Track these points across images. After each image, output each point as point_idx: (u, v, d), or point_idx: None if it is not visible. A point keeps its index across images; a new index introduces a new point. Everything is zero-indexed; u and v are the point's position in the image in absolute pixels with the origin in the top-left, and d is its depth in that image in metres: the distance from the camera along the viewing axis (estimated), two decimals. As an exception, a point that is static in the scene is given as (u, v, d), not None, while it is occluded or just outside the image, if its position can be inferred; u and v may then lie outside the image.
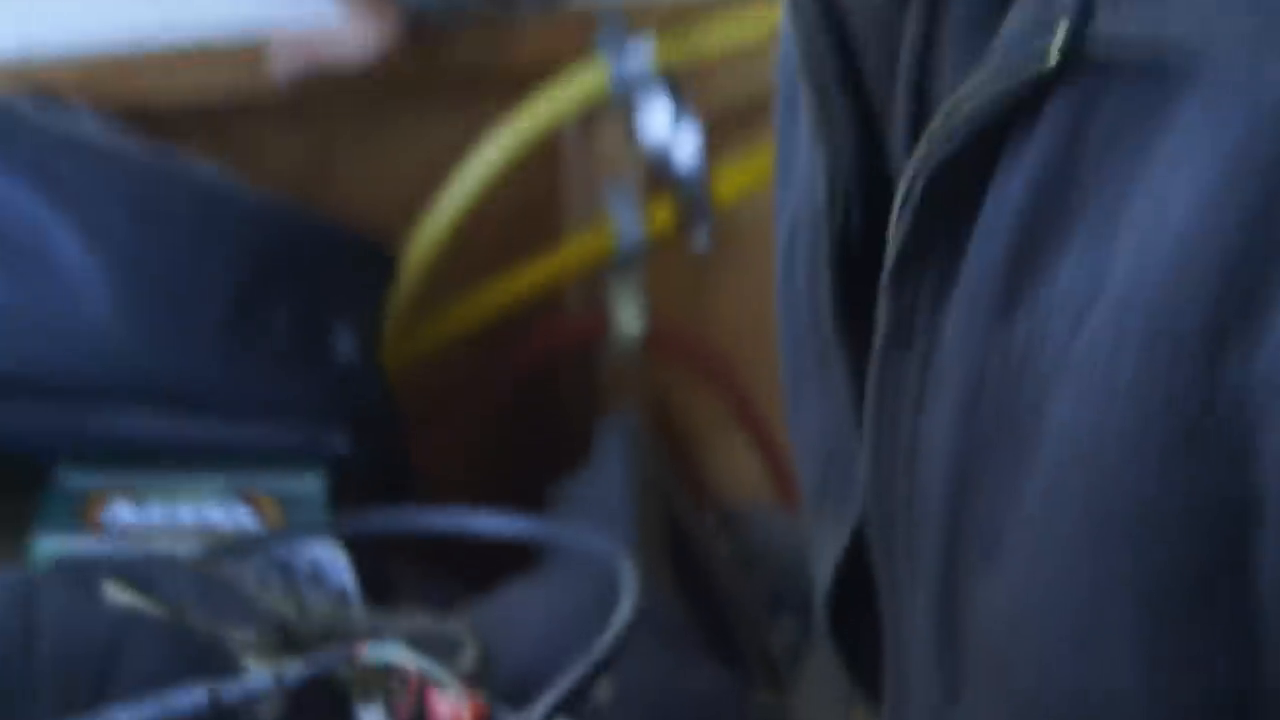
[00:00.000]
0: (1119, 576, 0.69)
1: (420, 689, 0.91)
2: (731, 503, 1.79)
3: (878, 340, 0.79)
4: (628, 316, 1.80)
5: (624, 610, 0.99)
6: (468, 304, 1.79)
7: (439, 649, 1.01)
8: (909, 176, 0.74)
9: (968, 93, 0.71)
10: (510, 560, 1.45)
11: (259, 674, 0.97)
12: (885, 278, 0.78)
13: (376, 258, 1.63)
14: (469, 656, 1.09)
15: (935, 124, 0.73)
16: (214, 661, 1.06)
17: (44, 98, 1.63)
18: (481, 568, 1.45)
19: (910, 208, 0.74)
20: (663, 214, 1.74)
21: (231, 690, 0.93)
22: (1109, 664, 0.71)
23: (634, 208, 1.74)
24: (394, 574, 1.38)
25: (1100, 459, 0.68)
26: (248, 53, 1.61)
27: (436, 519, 1.29)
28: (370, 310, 1.57)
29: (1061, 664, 0.73)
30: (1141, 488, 0.66)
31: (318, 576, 1.27)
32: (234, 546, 1.28)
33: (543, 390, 1.94)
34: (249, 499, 1.41)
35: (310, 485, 1.43)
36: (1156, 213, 0.65)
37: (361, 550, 1.31)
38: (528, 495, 1.59)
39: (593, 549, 1.17)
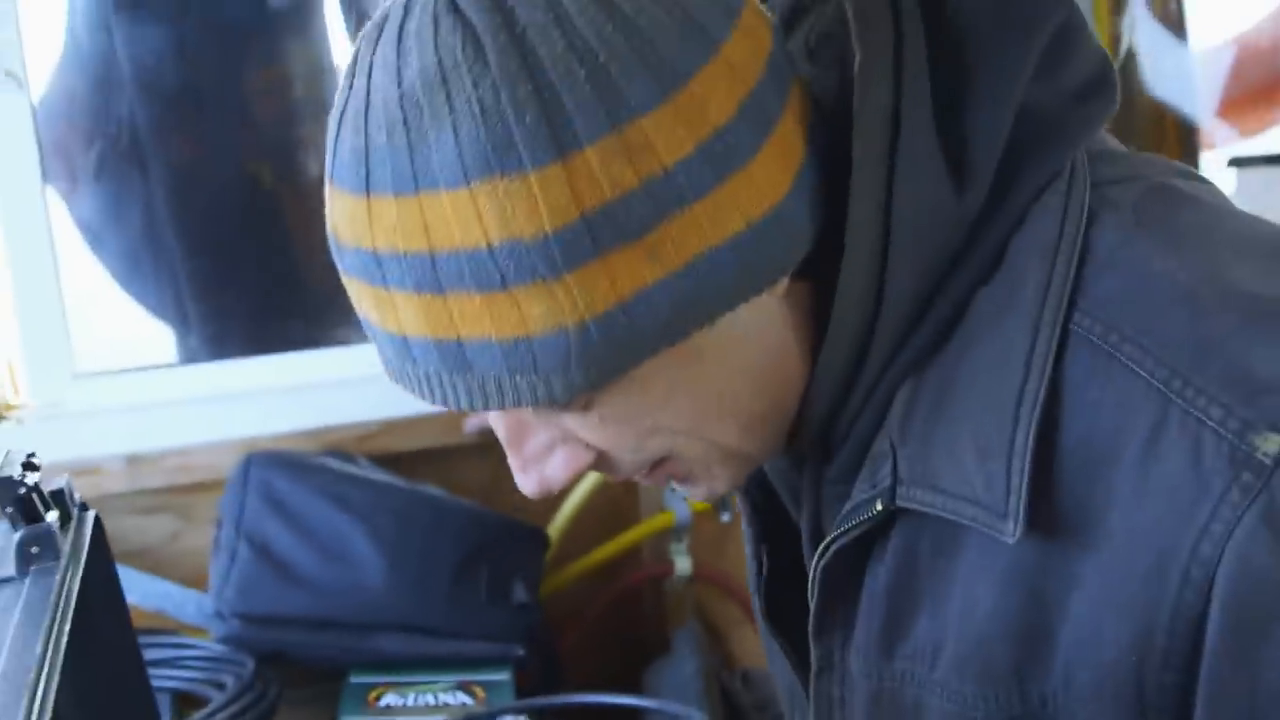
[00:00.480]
0: None
1: None
2: (748, 668, 1.82)
3: (814, 666, 0.87)
4: (682, 562, 1.96)
5: None
6: (585, 558, 1.96)
7: None
8: (814, 567, 0.82)
9: (839, 525, 0.80)
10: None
11: None
12: (811, 629, 0.85)
13: (537, 536, 1.81)
14: None
15: (828, 538, 0.81)
16: None
17: (336, 453, 1.84)
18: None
19: (816, 583, 0.83)
20: (702, 503, 1.87)
21: None
22: None
23: (684, 501, 1.90)
24: None
25: None
26: (453, 417, 1.79)
27: (581, 697, 1.52)
28: (535, 569, 1.75)
29: None
30: None
31: None
32: (469, 717, 1.49)
33: (630, 609, 2.08)
34: (466, 687, 1.61)
35: (501, 677, 1.64)
36: (966, 599, 0.77)
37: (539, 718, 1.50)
38: (624, 678, 1.79)
39: (686, 715, 1.32)
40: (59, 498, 0.83)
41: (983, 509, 0.72)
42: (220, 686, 1.61)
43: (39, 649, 0.64)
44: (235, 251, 1.98)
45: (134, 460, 1.86)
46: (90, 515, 0.87)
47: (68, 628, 0.70)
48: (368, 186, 0.69)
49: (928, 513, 0.76)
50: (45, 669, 0.64)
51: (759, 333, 0.77)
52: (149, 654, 1.60)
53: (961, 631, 0.77)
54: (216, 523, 1.76)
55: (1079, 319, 0.72)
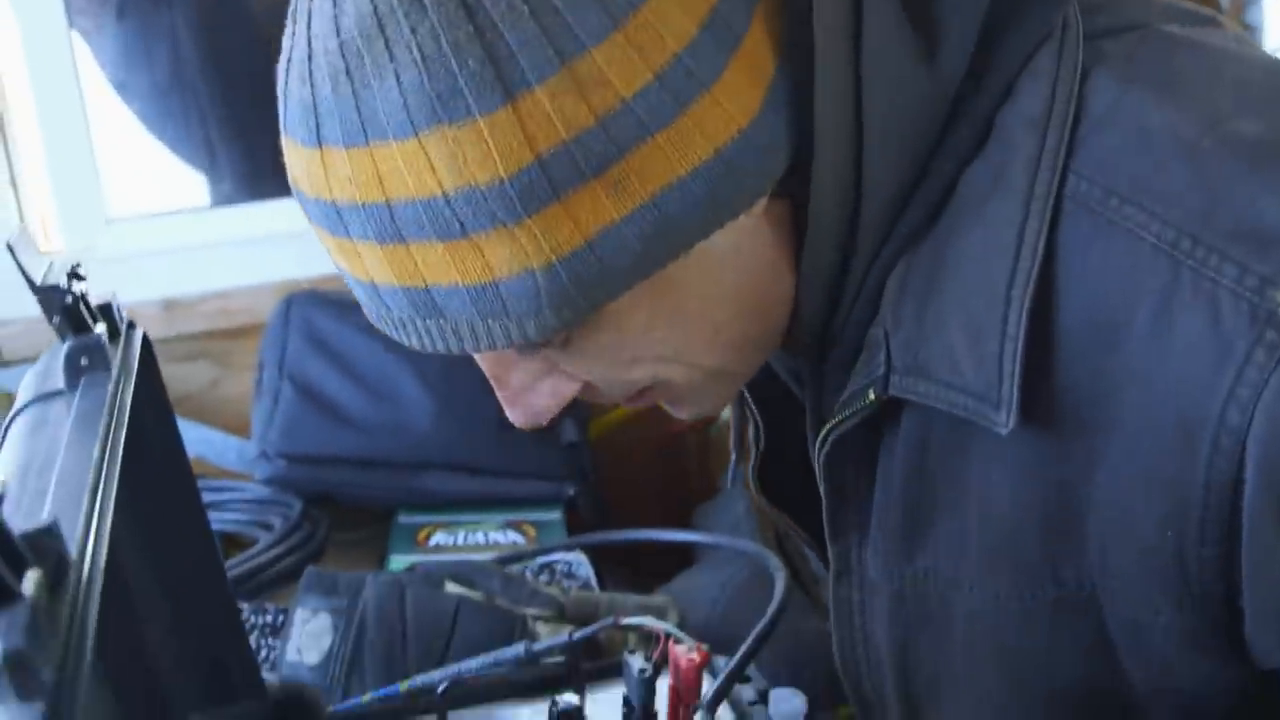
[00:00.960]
0: (1036, 694, 0.78)
1: (665, 642, 0.95)
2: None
3: (831, 568, 0.85)
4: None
5: (780, 588, 1.04)
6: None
7: (656, 614, 1.07)
8: (816, 459, 0.81)
9: (836, 415, 0.78)
10: (667, 560, 1.57)
11: (554, 636, 1.07)
12: (826, 531, 0.84)
13: None
14: (673, 617, 1.21)
15: (825, 428, 0.79)
16: (518, 629, 1.19)
17: None
18: (648, 566, 1.58)
19: (821, 476, 0.81)
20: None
21: (539, 646, 1.04)
22: None
23: None
24: (606, 570, 1.50)
25: (1001, 627, 0.76)
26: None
27: (637, 534, 1.43)
28: (583, 407, 1.66)
29: None
30: (1034, 639, 0.75)
31: (571, 573, 1.42)
32: (518, 556, 1.44)
33: (675, 455, 2.06)
34: (516, 526, 1.61)
35: (552, 516, 1.63)
36: (984, 492, 0.74)
37: (591, 555, 1.47)
38: (671, 517, 1.71)
39: (746, 550, 1.24)
40: (106, 312, 0.79)
41: (974, 398, 0.70)
42: (267, 528, 1.60)
43: (95, 453, 0.61)
44: (265, 90, 1.92)
45: (170, 305, 1.85)
46: (139, 333, 0.83)
47: (123, 435, 0.67)
48: (319, 139, 0.67)
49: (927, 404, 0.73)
50: (104, 472, 0.61)
51: (739, 256, 0.74)
52: (194, 497, 1.60)
53: (984, 525, 0.74)
54: (257, 367, 1.74)
55: (1075, 184, 0.69)
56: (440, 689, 0.99)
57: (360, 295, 0.74)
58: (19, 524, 0.49)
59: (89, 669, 0.48)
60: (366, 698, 1.04)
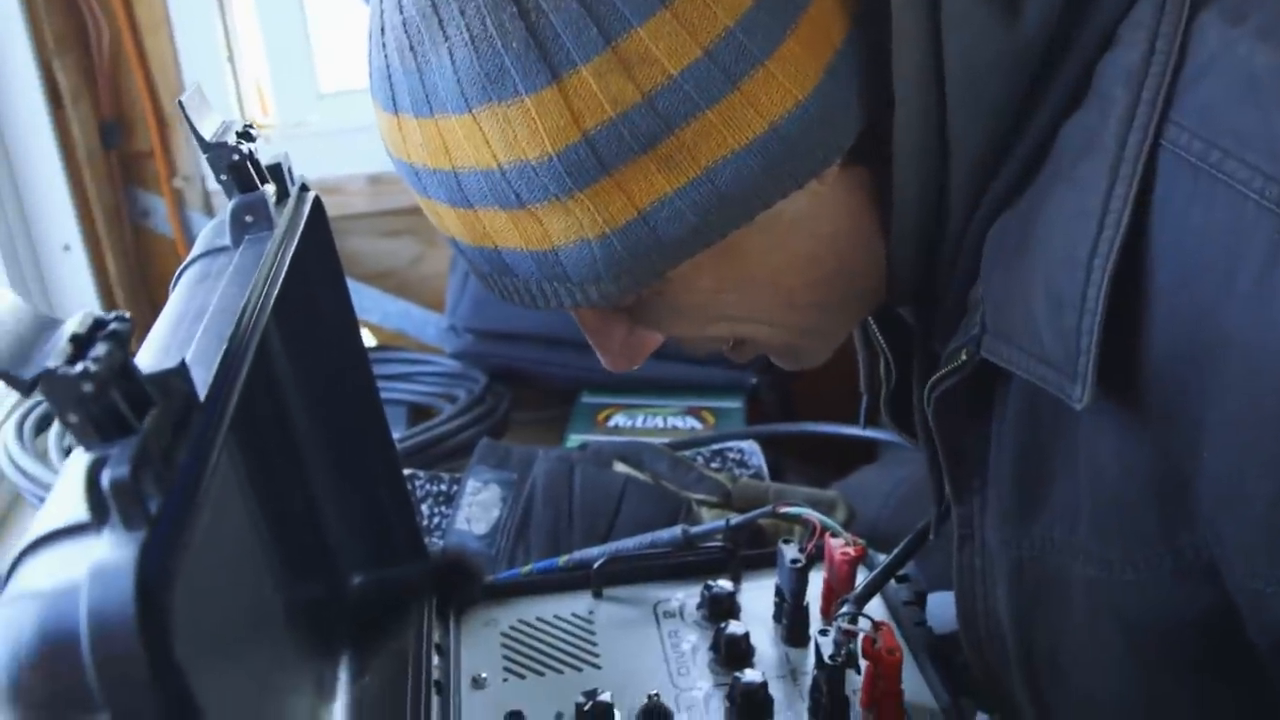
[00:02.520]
0: (1158, 665, 0.75)
1: (820, 535, 0.95)
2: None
3: (955, 534, 0.84)
4: None
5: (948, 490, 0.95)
6: None
7: (822, 508, 1.07)
8: (925, 392, 0.78)
9: (940, 368, 0.76)
10: (848, 457, 1.54)
11: (714, 521, 1.06)
12: (950, 495, 0.83)
13: None
14: (841, 512, 1.20)
15: (930, 381, 0.77)
16: (681, 512, 1.19)
17: None
18: (829, 460, 1.56)
19: (933, 430, 0.79)
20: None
21: (697, 530, 1.03)
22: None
23: None
24: (783, 462, 1.49)
25: (1118, 597, 0.74)
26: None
27: (815, 426, 1.46)
28: None
29: None
30: (1156, 606, 0.72)
31: (743, 462, 1.41)
32: (690, 441, 1.44)
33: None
34: (695, 413, 1.60)
35: (733, 405, 1.62)
36: (1092, 460, 0.71)
37: (767, 446, 1.46)
38: (856, 415, 1.84)
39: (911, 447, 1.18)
40: (276, 173, 0.81)
41: (1052, 369, 0.67)
42: (453, 400, 1.63)
43: (241, 304, 0.62)
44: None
45: (376, 180, 1.88)
46: (310, 195, 0.85)
47: (276, 291, 0.69)
48: (394, 106, 0.70)
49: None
50: (247, 321, 0.62)
51: (810, 223, 0.73)
52: (384, 369, 1.67)
53: (1095, 493, 0.71)
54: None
55: (1174, 136, 0.64)
56: (595, 565, 1.00)
57: (452, 246, 0.76)
58: (159, 365, 0.51)
59: (203, 507, 0.49)
60: (526, 569, 1.05)
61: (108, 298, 1.87)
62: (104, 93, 1.82)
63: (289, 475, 0.90)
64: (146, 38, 1.80)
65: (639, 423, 1.58)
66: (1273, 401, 0.60)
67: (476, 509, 1.21)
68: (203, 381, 0.55)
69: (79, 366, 0.46)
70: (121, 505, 0.44)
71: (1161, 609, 0.71)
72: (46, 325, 0.50)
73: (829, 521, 0.97)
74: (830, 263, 0.76)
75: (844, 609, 0.87)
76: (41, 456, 1.44)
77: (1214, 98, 0.64)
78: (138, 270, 1.94)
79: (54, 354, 0.46)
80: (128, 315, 0.50)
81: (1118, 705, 0.77)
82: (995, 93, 0.69)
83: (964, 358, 0.73)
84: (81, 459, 0.48)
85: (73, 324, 0.49)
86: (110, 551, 0.43)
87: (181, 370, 0.52)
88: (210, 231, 0.79)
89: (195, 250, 0.77)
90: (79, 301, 1.83)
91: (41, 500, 1.35)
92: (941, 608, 0.95)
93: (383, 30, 0.70)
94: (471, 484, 1.23)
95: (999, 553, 0.80)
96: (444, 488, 1.31)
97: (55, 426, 1.49)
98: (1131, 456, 0.69)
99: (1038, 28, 0.69)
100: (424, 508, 1.28)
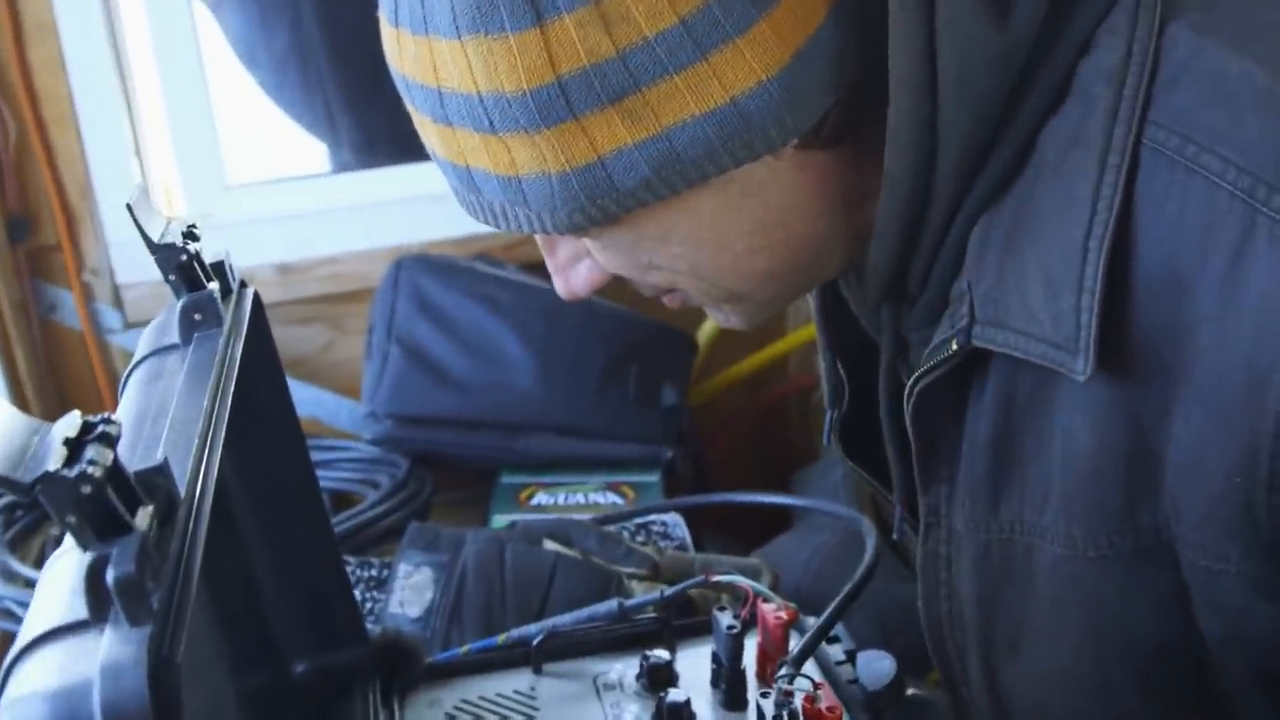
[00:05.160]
0: (1113, 646, 0.78)
1: (753, 601, 0.95)
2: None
3: (921, 522, 0.86)
4: None
5: (870, 549, 1.02)
6: (732, 369, 1.96)
7: (747, 574, 1.08)
8: (906, 410, 0.81)
9: (922, 365, 0.79)
10: (764, 525, 1.58)
11: (649, 593, 1.06)
12: (918, 483, 0.85)
13: (685, 341, 1.80)
14: (767, 578, 1.21)
15: (912, 379, 0.80)
16: (612, 586, 1.20)
17: (485, 258, 1.84)
18: (745, 530, 1.61)
19: (910, 428, 0.82)
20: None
21: (632, 603, 1.03)
22: (1120, 708, 0.79)
23: None
24: (701, 533, 1.52)
25: (1081, 576, 0.77)
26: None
27: (735, 496, 1.39)
28: (683, 372, 1.75)
29: (1085, 713, 0.81)
30: (1112, 588, 0.76)
31: (667, 534, 1.43)
32: (615, 516, 1.44)
33: (776, 422, 2.09)
34: (615, 488, 1.63)
35: (650, 479, 1.65)
36: (1066, 439, 0.75)
37: (686, 517, 1.47)
38: (770, 489, 1.72)
39: (838, 513, 1.22)
40: (219, 270, 0.83)
41: (1052, 346, 0.71)
42: (375, 486, 1.64)
43: (205, 403, 0.64)
44: (383, 59, 1.94)
45: (285, 270, 1.89)
46: (250, 291, 0.87)
47: (232, 386, 0.70)
48: (396, 20, 0.73)
49: (1008, 353, 0.74)
50: (212, 419, 0.64)
51: (762, 194, 0.77)
52: (306, 454, 1.64)
53: (1066, 472, 0.75)
54: (368, 329, 1.77)
55: (1152, 134, 0.69)
56: (535, 642, 1.01)
57: (431, 157, 0.80)
58: (134, 464, 0.53)
59: (195, 597, 0.50)
60: (465, 649, 1.05)
61: (16, 392, 1.84)
62: (10, 187, 1.80)
63: (233, 564, 0.90)
64: (53, 132, 1.80)
65: (561, 500, 1.61)
66: (1239, 376, 0.65)
67: (409, 592, 1.22)
68: (180, 477, 0.57)
69: (76, 469, 0.47)
70: (126, 602, 0.45)
71: (1120, 589, 0.75)
72: (34, 429, 0.51)
73: (760, 588, 0.98)
74: (776, 234, 0.79)
75: (782, 670, 0.88)
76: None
77: (1189, 101, 0.69)
78: (45, 364, 1.91)
79: (50, 458, 0.48)
80: (114, 417, 0.51)
81: (1074, 687, 0.80)
82: (985, 92, 0.73)
83: (954, 348, 0.76)
84: (74, 559, 0.49)
85: (63, 428, 0.50)
86: (119, 648, 0.45)
87: (164, 468, 0.54)
88: (155, 331, 0.80)
89: (141, 350, 0.78)
90: (-13, 399, 1.80)
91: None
92: (871, 665, 0.97)
93: None
94: (403, 568, 1.24)
95: (966, 537, 0.83)
96: (374, 572, 1.32)
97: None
98: (1105, 431, 0.72)
99: (1025, 30, 0.72)
100: (356, 593, 1.26)
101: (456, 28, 0.70)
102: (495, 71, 0.69)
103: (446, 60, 0.71)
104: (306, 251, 1.89)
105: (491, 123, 0.71)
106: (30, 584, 1.41)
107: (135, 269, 1.82)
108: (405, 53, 0.74)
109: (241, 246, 1.78)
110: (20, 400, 1.82)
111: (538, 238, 0.84)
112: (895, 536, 0.97)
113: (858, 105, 0.74)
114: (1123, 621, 0.77)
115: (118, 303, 1.86)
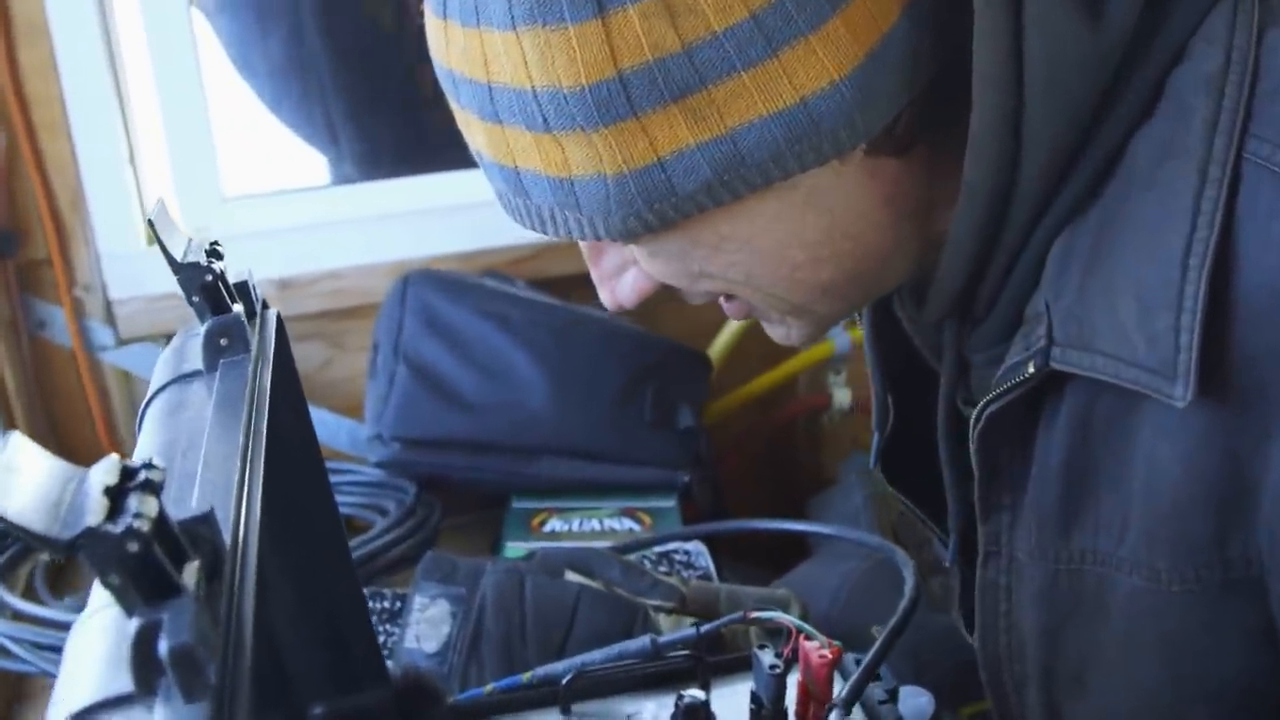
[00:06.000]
0: (1195, 684, 0.75)
1: (796, 638, 0.91)
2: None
3: (980, 551, 0.83)
4: (840, 394, 1.94)
5: (910, 582, 0.97)
6: (742, 389, 1.92)
7: (777, 607, 1.06)
8: (971, 436, 0.78)
9: (994, 389, 0.76)
10: (780, 551, 1.55)
11: (678, 626, 1.04)
12: (978, 511, 0.82)
13: (701, 361, 1.77)
14: (796, 610, 1.17)
15: (981, 404, 0.77)
16: (637, 620, 1.16)
17: (493, 273, 1.80)
18: (759, 555, 1.59)
19: (976, 454, 0.79)
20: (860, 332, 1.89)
21: (666, 639, 1.00)
22: None
23: (845, 331, 1.87)
24: (718, 560, 1.46)
25: (1162, 611, 0.74)
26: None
27: (766, 523, 1.34)
28: (700, 393, 1.71)
29: None
30: (1197, 624, 0.73)
31: (690, 563, 1.39)
32: (635, 544, 1.38)
33: (785, 442, 2.06)
34: (631, 514, 1.58)
35: (667, 504, 1.61)
36: (1151, 468, 0.72)
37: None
38: (781, 511, 1.66)
39: (870, 543, 1.17)
40: (244, 291, 0.78)
41: (1146, 371, 0.68)
42: (382, 512, 1.59)
43: (240, 440, 0.59)
44: (386, 68, 1.91)
45: (285, 285, 1.84)
46: (273, 313, 0.82)
47: (265, 423, 0.65)
48: (445, 11, 0.71)
49: (1090, 377, 0.71)
50: (249, 459, 0.59)
51: (827, 200, 0.74)
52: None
53: (1149, 503, 0.72)
54: (371, 347, 1.72)
55: (1255, 148, 0.67)
56: (565, 681, 0.97)
57: (475, 157, 0.77)
58: (173, 512, 0.48)
59: (249, 665, 0.46)
60: (489, 688, 1.00)
61: (5, 410, 1.78)
62: (-1, 200, 1.75)
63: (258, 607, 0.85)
64: (44, 140, 1.74)
65: (575, 526, 1.56)
66: None
67: (425, 626, 1.17)
68: (224, 526, 0.52)
69: (121, 524, 0.42)
70: (182, 676, 0.40)
71: (1204, 624, 0.72)
72: (69, 476, 0.46)
73: (804, 626, 0.94)
74: (840, 243, 0.76)
75: (832, 716, 0.86)
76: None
77: None
78: (35, 384, 1.86)
79: (90, 510, 0.43)
80: (157, 463, 0.46)
81: None
82: (1075, 93, 0.70)
83: (1030, 371, 0.72)
84: (111, 620, 0.44)
85: (101, 474, 0.45)
86: (174, 728, 0.39)
87: (210, 517, 0.49)
88: (173, 356, 0.76)
89: (159, 378, 0.73)
90: (-26, 417, 1.75)
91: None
92: (908, 702, 0.95)
93: None
94: (419, 600, 1.19)
95: (1029, 566, 0.80)
96: (387, 604, 1.28)
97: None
98: (1196, 460, 0.69)
99: (1119, 31, 0.69)
100: (369, 626, 1.23)
101: (512, 18, 0.66)
102: (552, 65, 0.66)
103: (499, 53, 0.68)
104: (306, 266, 1.84)
105: (545, 120, 0.68)
106: (19, 616, 1.35)
107: (128, 284, 1.76)
108: (453, 46, 0.70)
109: (238, 260, 1.76)
110: (9, 422, 1.77)
111: (582, 246, 0.82)
112: (948, 564, 0.94)
113: (930, 108, 0.71)
114: (1205, 658, 0.74)
115: (110, 319, 1.81)
